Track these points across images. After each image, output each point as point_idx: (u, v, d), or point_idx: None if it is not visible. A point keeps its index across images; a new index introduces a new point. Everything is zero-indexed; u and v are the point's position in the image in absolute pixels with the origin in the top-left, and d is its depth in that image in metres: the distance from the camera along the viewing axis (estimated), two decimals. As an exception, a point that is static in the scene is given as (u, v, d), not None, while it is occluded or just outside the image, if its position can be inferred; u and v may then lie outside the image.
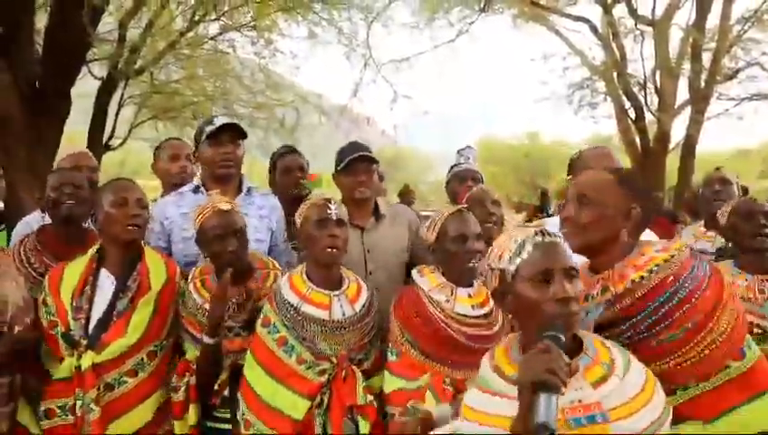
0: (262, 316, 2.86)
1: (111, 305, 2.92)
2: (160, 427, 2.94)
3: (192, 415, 2.90)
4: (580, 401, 1.74)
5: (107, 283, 2.97)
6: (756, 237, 3.10)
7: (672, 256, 2.15)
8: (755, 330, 2.98)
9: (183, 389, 2.88)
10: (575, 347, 1.85)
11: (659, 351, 2.07)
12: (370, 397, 2.77)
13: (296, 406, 2.72)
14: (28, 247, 3.26)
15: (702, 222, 4.22)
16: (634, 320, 2.10)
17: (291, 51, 11.09)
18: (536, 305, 1.78)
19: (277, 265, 3.23)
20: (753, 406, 2.12)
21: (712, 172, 4.24)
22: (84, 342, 2.84)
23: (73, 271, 2.98)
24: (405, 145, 33.58)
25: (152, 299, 2.97)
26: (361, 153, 3.55)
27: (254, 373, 2.80)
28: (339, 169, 3.61)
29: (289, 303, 2.80)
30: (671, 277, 2.10)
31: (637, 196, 2.24)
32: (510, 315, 1.99)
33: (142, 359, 2.91)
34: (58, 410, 2.82)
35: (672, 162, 14.66)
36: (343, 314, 2.80)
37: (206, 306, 2.91)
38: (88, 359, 2.82)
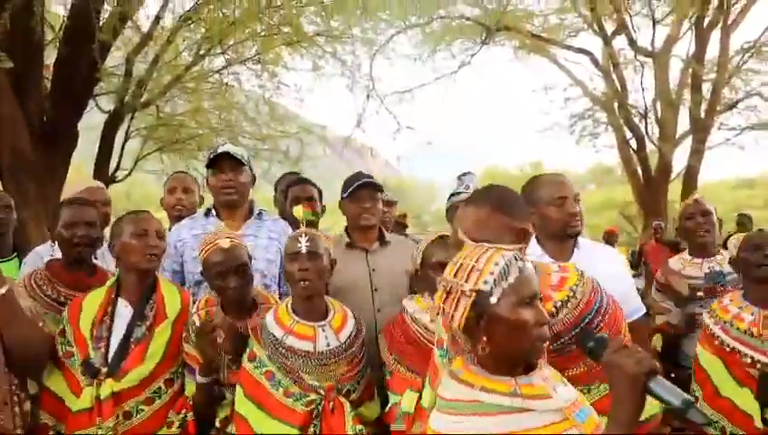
0: (248, 351, 2.86)
1: (128, 333, 2.93)
2: None
3: None
4: (572, 399, 1.80)
5: (125, 312, 2.97)
6: (761, 267, 3.14)
7: (581, 274, 2.21)
8: (758, 366, 2.95)
9: (177, 424, 2.86)
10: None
11: (576, 358, 2.12)
12: (360, 426, 2.76)
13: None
14: (38, 278, 3.22)
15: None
16: (565, 336, 2.13)
17: (295, 83, 11.13)
18: (525, 327, 1.75)
19: (278, 300, 3.20)
20: None
21: (691, 204, 4.22)
22: (104, 370, 2.84)
23: (92, 301, 2.98)
24: (408, 175, 33.67)
25: (168, 327, 2.97)
26: (366, 180, 3.59)
27: (245, 407, 2.81)
28: (344, 196, 3.64)
29: (273, 336, 2.80)
30: (592, 294, 2.18)
31: (519, 215, 2.19)
32: (468, 337, 1.81)
33: (160, 387, 2.91)
34: None
35: (675, 192, 14.67)
36: (328, 345, 2.80)
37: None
38: (108, 387, 2.82)
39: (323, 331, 2.81)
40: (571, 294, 2.16)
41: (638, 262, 8.81)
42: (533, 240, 3.13)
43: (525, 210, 2.23)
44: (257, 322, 2.95)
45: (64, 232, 3.22)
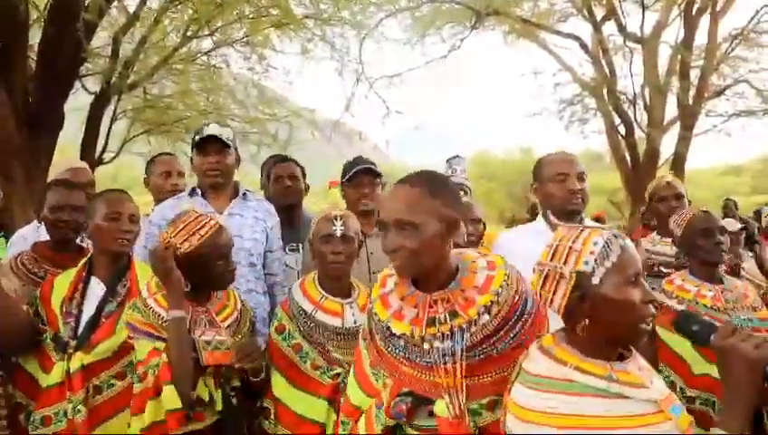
0: (276, 323, 2.92)
1: (100, 308, 2.92)
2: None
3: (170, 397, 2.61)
4: (667, 393, 1.76)
5: (97, 289, 2.97)
6: (713, 253, 3.17)
7: (507, 274, 2.07)
8: None
9: (151, 373, 2.64)
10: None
11: (488, 365, 2.03)
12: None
13: (315, 408, 2.77)
14: (24, 259, 3.25)
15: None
16: (485, 343, 2.01)
17: (283, 66, 11.19)
18: (632, 307, 1.71)
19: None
20: None
21: (664, 186, 4.23)
22: (73, 343, 2.83)
23: (64, 280, 3.00)
24: (397, 160, 33.65)
25: (139, 302, 2.88)
26: (366, 166, 3.67)
27: (275, 379, 2.85)
28: (344, 180, 3.72)
29: (303, 310, 2.86)
30: (516, 297, 2.05)
31: (454, 201, 2.07)
32: (567, 319, 1.77)
33: (131, 361, 2.84)
34: (53, 417, 2.80)
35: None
36: (355, 322, 2.83)
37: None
38: (77, 360, 2.81)
39: (350, 308, 2.87)
40: (495, 298, 2.02)
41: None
42: (540, 217, 3.31)
43: (457, 199, 2.10)
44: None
45: (50, 215, 3.24)
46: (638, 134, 14.97)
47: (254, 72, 10.75)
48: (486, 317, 1.98)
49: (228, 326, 2.81)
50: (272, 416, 2.83)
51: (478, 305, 2.00)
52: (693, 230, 3.18)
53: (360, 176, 3.68)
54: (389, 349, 2.12)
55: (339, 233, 2.85)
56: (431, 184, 2.03)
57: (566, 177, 3.16)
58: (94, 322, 2.87)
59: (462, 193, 4.15)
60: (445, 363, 1.98)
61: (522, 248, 3.05)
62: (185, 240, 2.74)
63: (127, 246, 2.99)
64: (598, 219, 5.18)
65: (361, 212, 3.59)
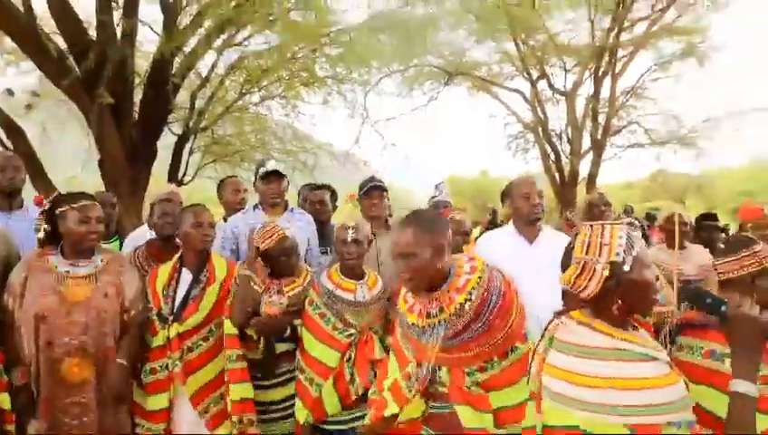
0: (308, 299, 2.94)
1: (188, 292, 2.99)
2: (222, 384, 2.95)
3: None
4: None
5: (186, 277, 3.04)
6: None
7: (480, 277, 2.05)
8: None
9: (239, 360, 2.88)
10: None
11: (473, 343, 2.02)
12: (384, 353, 2.79)
13: (331, 357, 2.82)
14: (140, 254, 3.35)
15: None
16: (463, 334, 2.01)
17: (310, 113, 11.22)
18: (652, 286, 1.61)
19: (310, 269, 3.25)
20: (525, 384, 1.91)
21: (597, 197, 4.19)
22: (171, 317, 2.93)
23: (164, 271, 3.06)
24: (391, 182, 33.29)
25: (217, 287, 3.03)
26: (375, 184, 3.67)
27: (306, 337, 2.89)
28: (361, 193, 3.70)
29: (327, 289, 2.89)
30: (485, 293, 2.02)
31: (439, 231, 2.04)
32: (597, 301, 1.61)
33: (211, 329, 2.97)
34: (158, 369, 2.91)
35: (581, 192, 14.91)
36: (364, 297, 2.88)
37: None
38: (174, 329, 2.91)
39: (361, 287, 2.91)
40: (469, 297, 2.01)
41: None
42: (511, 223, 3.32)
43: (442, 227, 2.07)
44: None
45: (159, 221, 3.35)
46: (564, 160, 15.05)
47: (288, 117, 10.79)
48: (462, 312, 1.99)
49: (294, 295, 2.96)
50: (300, 361, 2.90)
51: (456, 303, 2.01)
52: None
53: (371, 190, 3.66)
54: (408, 331, 2.16)
55: (350, 238, 2.90)
56: (421, 223, 2.04)
57: (529, 195, 3.18)
58: (184, 302, 2.97)
59: (457, 211, 4.01)
60: (435, 343, 2.02)
61: (496, 245, 3.21)
62: (263, 241, 2.93)
63: (207, 245, 3.08)
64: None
65: (373, 216, 3.61)
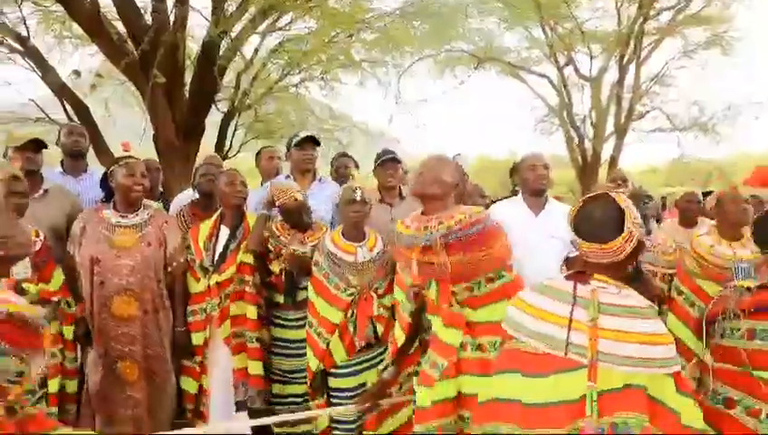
0: (314, 260, 3.02)
1: (226, 246, 3.15)
2: (262, 325, 3.17)
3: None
4: None
5: (224, 233, 3.19)
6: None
7: (471, 214, 2.24)
8: None
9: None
10: None
11: (462, 248, 2.18)
12: (383, 310, 2.91)
13: (334, 315, 2.92)
14: (185, 213, 3.56)
15: None
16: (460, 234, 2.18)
17: (347, 93, 11.27)
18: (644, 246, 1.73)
19: (326, 226, 3.37)
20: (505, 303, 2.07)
21: (616, 173, 4.36)
22: (211, 268, 3.12)
23: (204, 227, 3.23)
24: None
25: None
26: (390, 156, 3.66)
27: (312, 295, 3.01)
28: (377, 165, 3.70)
29: (329, 250, 2.97)
30: (474, 220, 2.20)
31: (460, 182, 2.32)
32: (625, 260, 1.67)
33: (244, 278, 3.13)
34: (199, 312, 3.12)
35: (602, 174, 14.72)
36: (364, 257, 2.93)
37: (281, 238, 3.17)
38: (213, 278, 3.10)
39: (361, 249, 2.96)
40: (463, 218, 2.26)
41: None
42: (520, 195, 3.41)
43: (460, 173, 2.33)
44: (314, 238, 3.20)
45: (201, 180, 3.55)
46: (587, 143, 14.85)
47: (326, 97, 10.93)
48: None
49: (313, 245, 3.13)
50: (310, 315, 3.03)
51: (455, 219, 2.21)
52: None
53: (386, 162, 3.64)
54: (402, 244, 2.36)
55: (358, 197, 2.94)
56: (458, 171, 2.35)
57: (535, 167, 3.26)
58: (223, 255, 3.14)
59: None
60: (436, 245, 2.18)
61: (505, 213, 3.33)
62: (279, 199, 3.14)
63: (240, 200, 3.23)
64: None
65: (388, 186, 3.63)
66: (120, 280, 2.89)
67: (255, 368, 3.09)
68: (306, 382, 3.08)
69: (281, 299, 3.23)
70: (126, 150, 3.06)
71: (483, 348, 2.22)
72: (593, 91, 14.41)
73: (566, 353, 1.58)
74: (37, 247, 2.62)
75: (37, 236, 2.69)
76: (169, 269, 3.06)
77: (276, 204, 3.18)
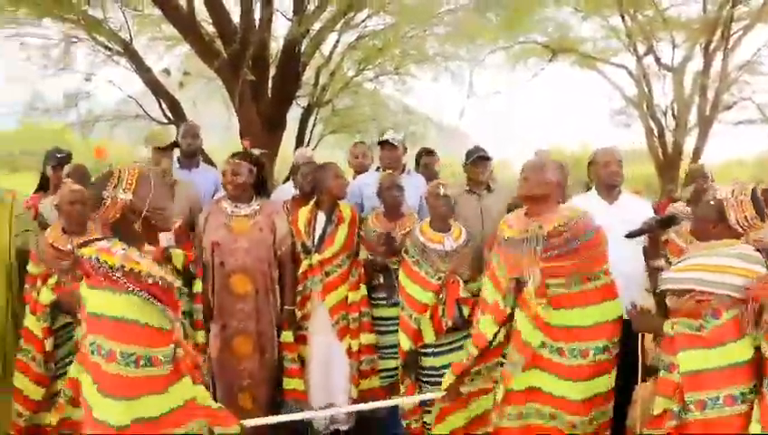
0: (404, 248, 3.28)
1: (324, 229, 3.45)
2: (346, 308, 3.42)
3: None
4: None
5: (322, 217, 3.49)
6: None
7: (577, 215, 2.51)
8: None
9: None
10: None
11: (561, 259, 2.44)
12: (469, 294, 3.12)
13: (424, 296, 3.16)
14: (288, 205, 3.83)
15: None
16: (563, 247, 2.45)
17: (420, 87, 11.48)
18: None
19: (416, 216, 3.67)
20: (602, 306, 2.49)
21: (695, 167, 4.35)
22: (313, 248, 3.42)
23: (302, 214, 3.51)
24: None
25: (346, 226, 3.47)
26: (481, 154, 3.88)
27: (403, 280, 3.24)
28: (467, 162, 3.90)
29: (419, 240, 3.22)
30: (580, 226, 2.48)
31: (562, 180, 2.57)
32: None
33: (343, 258, 3.44)
34: (300, 288, 3.42)
35: (684, 168, 14.20)
36: (451, 247, 3.19)
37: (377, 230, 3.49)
38: (315, 258, 3.39)
39: (447, 238, 3.22)
40: (565, 222, 2.51)
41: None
42: (594, 189, 3.54)
43: (564, 174, 2.63)
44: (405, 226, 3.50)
45: (302, 180, 3.84)
46: (668, 136, 14.34)
47: (400, 92, 11.20)
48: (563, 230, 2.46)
49: (405, 232, 3.44)
50: (402, 300, 3.26)
51: (554, 223, 2.48)
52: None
53: (478, 160, 3.86)
54: (504, 246, 2.64)
55: (442, 192, 3.24)
56: (561, 170, 2.65)
57: (609, 163, 3.37)
58: (322, 237, 3.44)
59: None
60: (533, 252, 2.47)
61: (579, 204, 3.46)
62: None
63: (344, 192, 3.57)
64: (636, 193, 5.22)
65: (478, 182, 3.86)
66: (236, 260, 3.26)
67: (369, 339, 3.44)
68: (397, 357, 3.35)
69: (376, 281, 3.52)
70: (245, 148, 3.46)
71: (561, 352, 2.46)
72: (675, 82, 13.86)
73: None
74: (176, 226, 3.06)
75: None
76: (279, 253, 3.39)
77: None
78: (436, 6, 9.24)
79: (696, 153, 13.83)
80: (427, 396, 3.00)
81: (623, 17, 13.54)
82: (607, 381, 2.49)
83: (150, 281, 1.72)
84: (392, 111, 11.44)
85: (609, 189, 3.42)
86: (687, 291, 2.13)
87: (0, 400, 3.04)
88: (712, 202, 2.21)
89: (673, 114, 14.23)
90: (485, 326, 2.67)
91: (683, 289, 2.15)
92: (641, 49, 14.15)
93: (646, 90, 14.43)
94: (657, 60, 14.07)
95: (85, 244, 1.80)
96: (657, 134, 14.52)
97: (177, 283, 1.91)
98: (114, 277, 1.69)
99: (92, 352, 1.70)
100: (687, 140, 14.17)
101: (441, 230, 3.25)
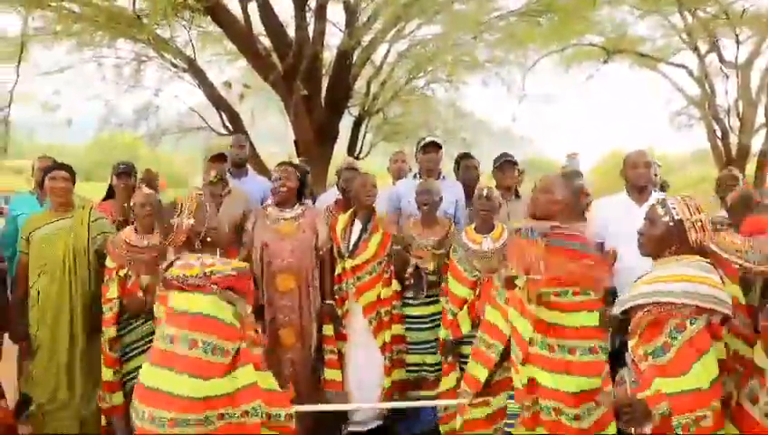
0: (452, 247, 3.47)
1: (359, 237, 3.61)
2: (377, 306, 3.57)
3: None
4: None
5: (357, 225, 3.65)
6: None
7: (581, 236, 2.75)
8: None
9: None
10: None
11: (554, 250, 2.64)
12: (501, 290, 3.03)
13: (463, 292, 3.36)
14: (331, 209, 4.08)
15: None
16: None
17: (471, 93, 11.53)
18: None
19: (451, 221, 3.78)
20: (592, 314, 2.59)
21: (725, 173, 4.29)
22: (347, 254, 3.58)
23: (341, 220, 3.68)
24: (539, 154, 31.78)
25: (380, 235, 3.61)
26: (507, 159, 3.99)
27: (450, 275, 3.44)
28: (494, 168, 4.08)
29: (464, 242, 3.41)
30: (573, 234, 2.71)
31: (571, 198, 2.73)
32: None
33: (374, 265, 3.58)
34: (336, 288, 3.62)
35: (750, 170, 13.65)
36: (489, 248, 3.33)
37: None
38: (349, 262, 3.56)
39: (486, 240, 3.37)
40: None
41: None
42: (624, 191, 3.60)
43: (573, 193, 2.77)
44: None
45: (344, 185, 4.02)
46: (732, 137, 13.80)
47: (451, 98, 11.34)
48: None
49: (439, 239, 3.60)
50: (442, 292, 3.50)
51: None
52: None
53: (504, 165, 4.01)
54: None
55: (485, 194, 3.37)
56: (564, 182, 2.79)
57: (637, 165, 3.46)
58: (356, 243, 3.60)
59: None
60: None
61: (610, 208, 3.57)
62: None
63: (370, 201, 3.64)
64: (662, 187, 5.12)
65: (505, 186, 3.97)
66: (282, 260, 3.54)
67: (398, 330, 3.63)
68: (422, 353, 3.60)
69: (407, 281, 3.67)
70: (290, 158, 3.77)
71: (551, 348, 2.63)
72: (741, 80, 13.40)
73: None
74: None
75: None
76: (320, 253, 3.64)
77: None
78: (485, 13, 9.30)
79: (764, 154, 13.27)
80: (451, 402, 3.26)
81: (683, 14, 13.17)
82: (597, 383, 2.58)
83: (226, 274, 2.18)
84: (443, 118, 11.56)
85: (639, 191, 3.50)
86: (644, 306, 2.05)
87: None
88: (671, 224, 2.14)
89: (737, 114, 13.72)
90: (520, 327, 2.75)
91: (640, 304, 2.08)
92: (703, 47, 13.73)
93: (708, 89, 13.99)
94: (721, 58, 13.59)
95: (168, 267, 2.27)
96: (720, 135, 14.03)
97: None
98: (200, 284, 2.18)
99: (170, 342, 2.17)
100: (753, 141, 13.61)
101: (483, 231, 3.41)
